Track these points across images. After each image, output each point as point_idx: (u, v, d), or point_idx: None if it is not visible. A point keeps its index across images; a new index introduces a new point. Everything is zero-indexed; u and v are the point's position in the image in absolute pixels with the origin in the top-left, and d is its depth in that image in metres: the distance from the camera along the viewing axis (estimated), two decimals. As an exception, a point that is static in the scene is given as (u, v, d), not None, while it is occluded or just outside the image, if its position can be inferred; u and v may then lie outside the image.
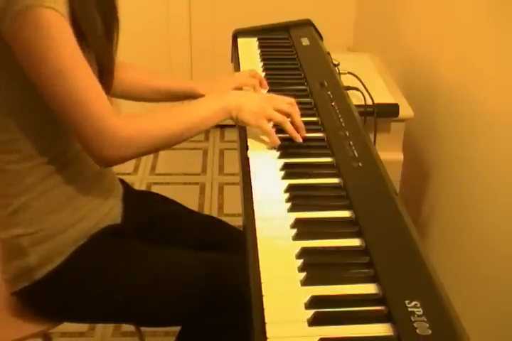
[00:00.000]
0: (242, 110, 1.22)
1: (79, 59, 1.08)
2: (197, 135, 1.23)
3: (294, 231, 1.00)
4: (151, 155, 3.06)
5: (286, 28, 1.90)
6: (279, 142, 1.22)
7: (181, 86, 1.52)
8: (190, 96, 1.51)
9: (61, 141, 1.20)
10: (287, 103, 1.26)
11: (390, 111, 1.73)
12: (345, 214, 1.05)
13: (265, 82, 1.52)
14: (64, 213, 1.22)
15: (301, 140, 1.24)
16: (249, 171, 1.18)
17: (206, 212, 2.60)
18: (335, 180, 1.15)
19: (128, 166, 2.94)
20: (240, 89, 1.50)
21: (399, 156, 1.80)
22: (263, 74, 1.62)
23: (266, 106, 1.23)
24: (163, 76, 1.55)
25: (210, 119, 1.22)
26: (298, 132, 1.24)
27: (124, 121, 1.13)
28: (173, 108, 1.24)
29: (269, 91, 1.51)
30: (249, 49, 1.81)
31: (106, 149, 1.10)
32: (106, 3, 1.23)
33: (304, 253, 0.95)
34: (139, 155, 1.19)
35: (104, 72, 1.21)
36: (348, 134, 1.27)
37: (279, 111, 1.24)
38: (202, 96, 1.48)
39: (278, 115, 1.23)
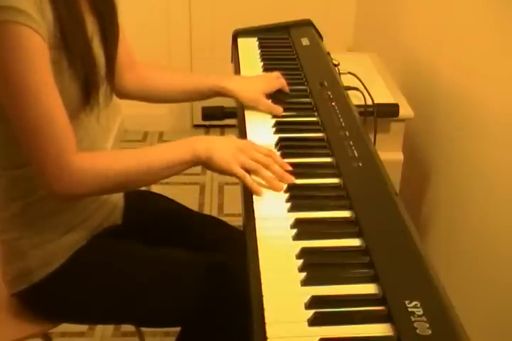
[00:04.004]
0: (211, 158, 1.13)
1: (45, 83, 1.03)
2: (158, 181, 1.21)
3: (294, 231, 1.00)
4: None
5: (286, 28, 1.90)
6: (260, 191, 1.10)
7: (206, 82, 1.45)
8: (217, 93, 1.45)
9: None
10: (264, 154, 1.16)
11: (390, 111, 1.73)
12: (345, 214, 1.05)
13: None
14: (64, 217, 1.21)
15: (280, 190, 1.11)
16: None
17: (206, 212, 2.60)
18: (335, 180, 1.15)
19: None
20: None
21: (399, 156, 1.80)
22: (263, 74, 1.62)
23: (238, 155, 1.13)
24: (182, 74, 1.50)
25: (173, 168, 1.15)
26: (281, 180, 1.13)
27: (82, 157, 1.09)
28: (137, 151, 1.20)
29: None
30: (249, 49, 1.81)
31: (56, 182, 1.07)
32: (102, 4, 1.20)
33: (303, 253, 0.95)
34: (91, 194, 1.19)
35: (91, 74, 1.14)
36: (348, 134, 1.27)
37: (254, 161, 1.14)
38: (230, 92, 1.43)
39: (252, 163, 1.13)
